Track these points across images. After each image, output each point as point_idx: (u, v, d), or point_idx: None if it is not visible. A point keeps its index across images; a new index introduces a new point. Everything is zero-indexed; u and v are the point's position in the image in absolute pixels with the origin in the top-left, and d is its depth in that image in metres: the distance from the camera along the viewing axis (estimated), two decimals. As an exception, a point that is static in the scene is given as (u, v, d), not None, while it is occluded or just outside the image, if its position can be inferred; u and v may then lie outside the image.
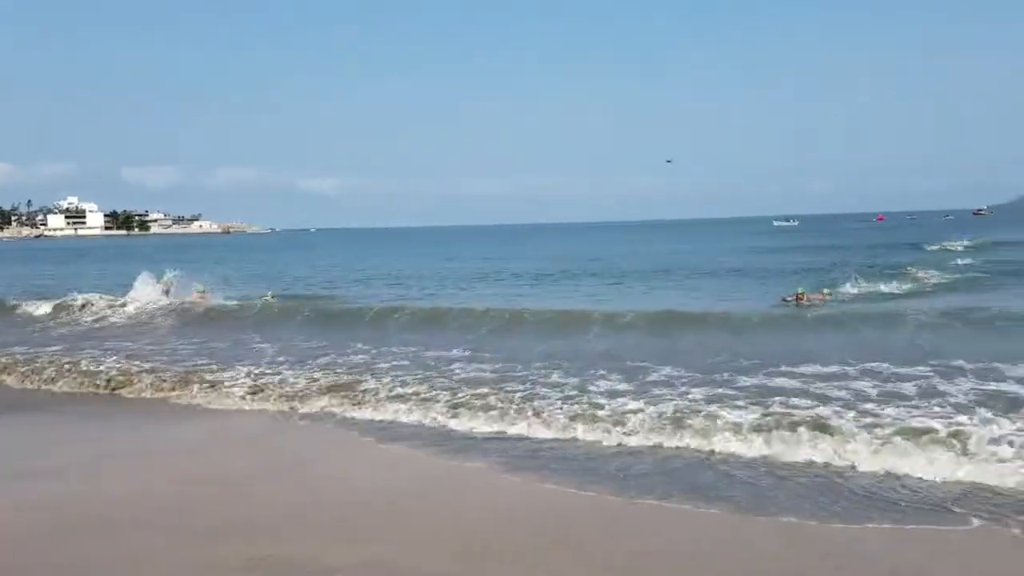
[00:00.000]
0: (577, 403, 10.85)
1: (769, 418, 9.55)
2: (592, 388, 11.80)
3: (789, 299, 22.69)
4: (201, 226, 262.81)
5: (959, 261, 35.90)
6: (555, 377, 12.67)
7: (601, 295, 27.84)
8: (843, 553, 6.30)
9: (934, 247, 49.82)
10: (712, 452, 9.01)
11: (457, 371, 13.69)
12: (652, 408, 10.33)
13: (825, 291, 23.90)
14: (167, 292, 25.23)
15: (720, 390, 11.28)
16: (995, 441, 8.31)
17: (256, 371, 14.32)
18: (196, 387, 13.46)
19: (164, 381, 13.97)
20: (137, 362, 15.69)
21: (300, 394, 12.59)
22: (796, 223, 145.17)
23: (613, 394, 11.37)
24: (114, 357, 16.43)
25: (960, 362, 12.05)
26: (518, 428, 10.31)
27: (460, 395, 11.73)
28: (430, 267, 48.10)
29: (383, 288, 33.57)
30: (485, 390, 11.87)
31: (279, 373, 14.13)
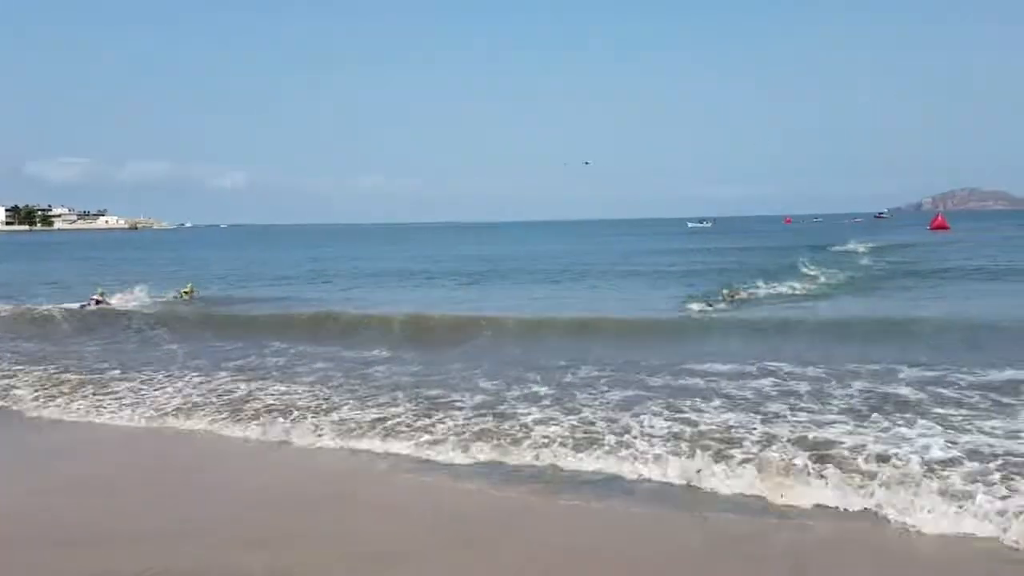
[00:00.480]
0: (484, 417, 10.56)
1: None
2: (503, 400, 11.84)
3: (720, 296, 23.82)
4: (107, 221, 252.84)
5: (861, 261, 37.68)
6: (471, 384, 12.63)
7: (503, 298, 27.84)
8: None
9: (838, 248, 51.84)
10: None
11: (375, 376, 13.61)
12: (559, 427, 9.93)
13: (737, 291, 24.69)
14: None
15: (633, 393, 11.50)
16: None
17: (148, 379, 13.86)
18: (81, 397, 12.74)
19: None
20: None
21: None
22: (709, 224, 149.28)
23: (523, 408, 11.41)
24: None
25: (852, 366, 12.62)
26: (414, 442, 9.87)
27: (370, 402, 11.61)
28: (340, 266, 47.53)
29: (284, 289, 33.02)
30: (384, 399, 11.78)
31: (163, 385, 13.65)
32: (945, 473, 7.61)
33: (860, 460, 8.08)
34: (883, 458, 8.09)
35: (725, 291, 24.56)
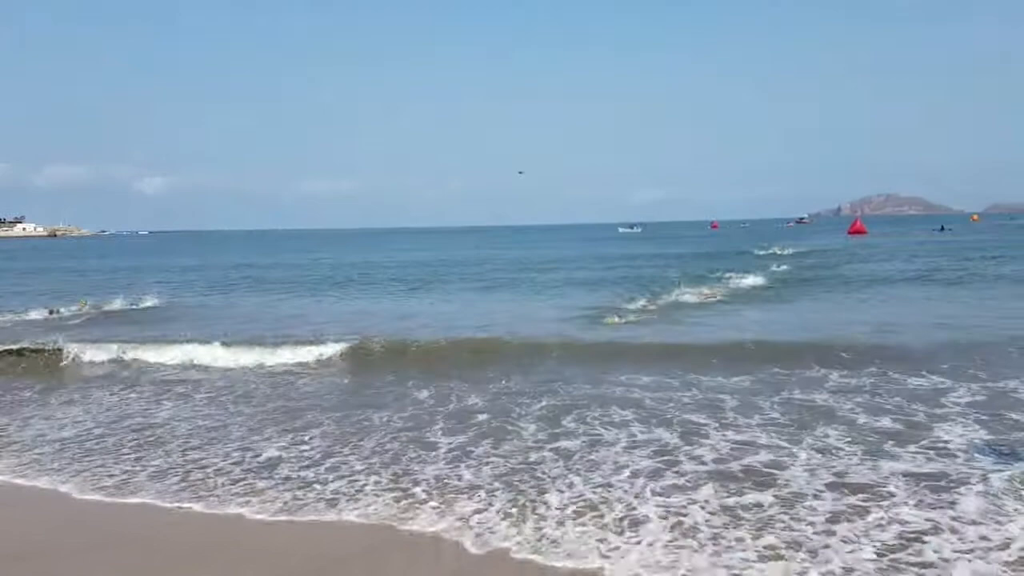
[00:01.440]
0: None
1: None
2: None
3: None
4: (25, 229, 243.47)
5: (779, 267, 39.33)
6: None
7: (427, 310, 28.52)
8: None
9: (761, 252, 54.21)
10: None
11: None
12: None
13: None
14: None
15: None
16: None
17: None
18: None
19: None
20: None
21: None
22: (639, 230, 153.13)
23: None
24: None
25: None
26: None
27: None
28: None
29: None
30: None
31: None
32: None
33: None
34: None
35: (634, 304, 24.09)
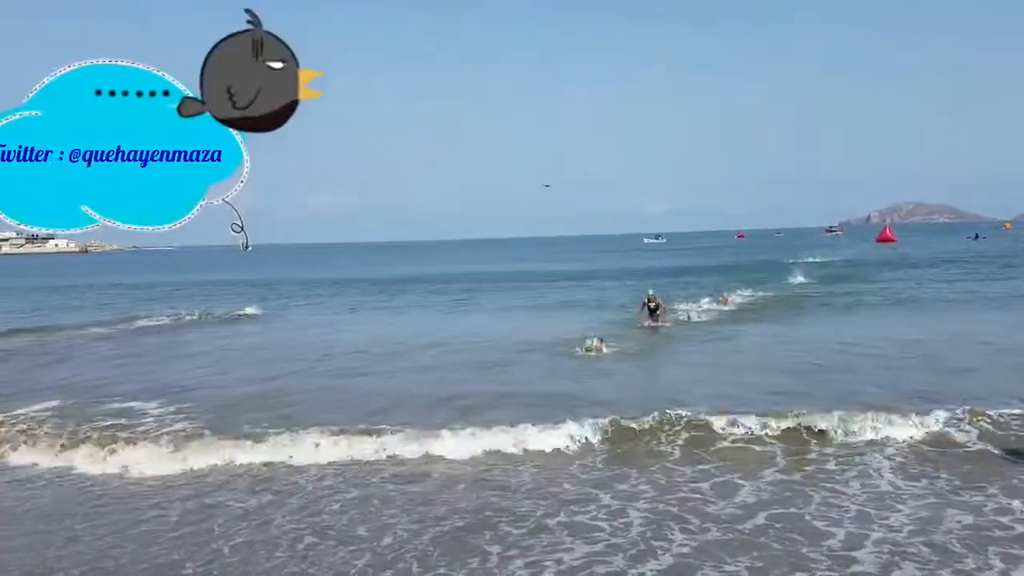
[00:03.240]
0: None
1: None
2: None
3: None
4: (57, 245, 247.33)
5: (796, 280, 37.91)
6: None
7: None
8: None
9: (789, 261, 53.50)
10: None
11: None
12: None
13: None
14: None
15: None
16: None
17: None
18: None
19: None
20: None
21: None
22: (664, 240, 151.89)
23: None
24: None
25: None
26: None
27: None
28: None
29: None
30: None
31: None
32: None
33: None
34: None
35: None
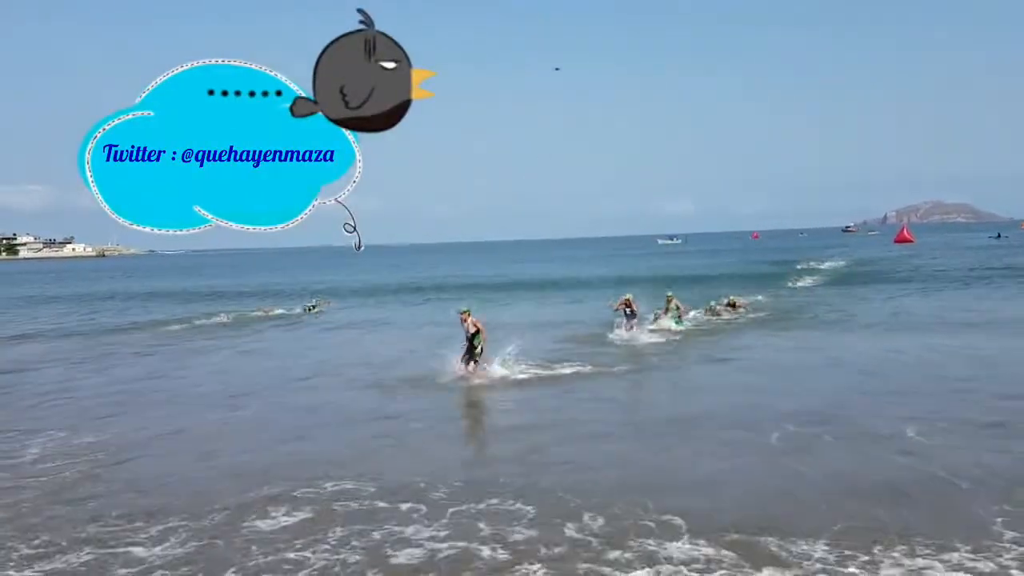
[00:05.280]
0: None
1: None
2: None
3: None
4: (74, 249, 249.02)
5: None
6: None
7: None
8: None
9: (801, 265, 53.63)
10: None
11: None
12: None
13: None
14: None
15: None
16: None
17: None
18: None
19: None
20: None
21: None
22: (680, 241, 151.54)
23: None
24: None
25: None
26: None
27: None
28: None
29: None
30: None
31: None
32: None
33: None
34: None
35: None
